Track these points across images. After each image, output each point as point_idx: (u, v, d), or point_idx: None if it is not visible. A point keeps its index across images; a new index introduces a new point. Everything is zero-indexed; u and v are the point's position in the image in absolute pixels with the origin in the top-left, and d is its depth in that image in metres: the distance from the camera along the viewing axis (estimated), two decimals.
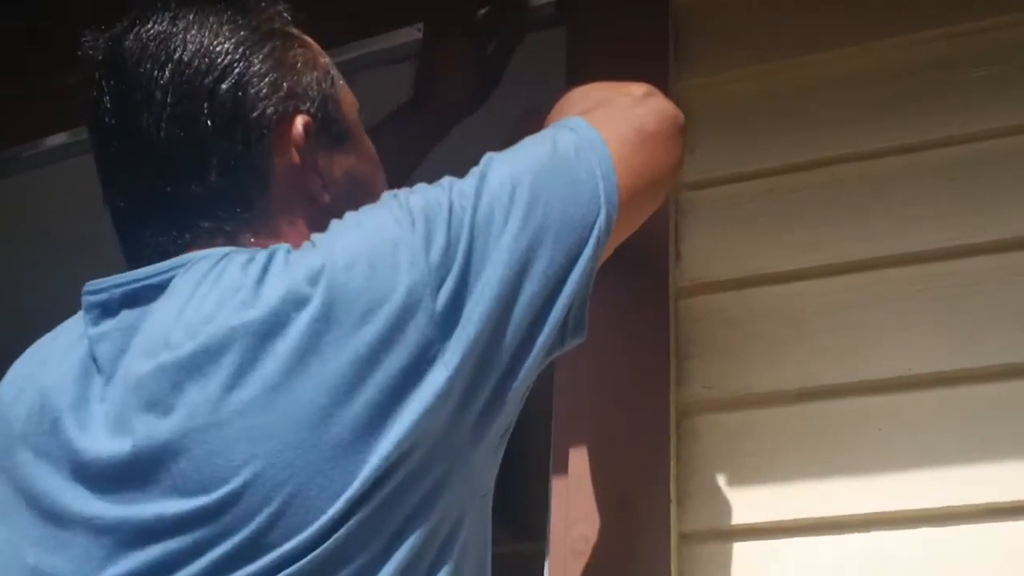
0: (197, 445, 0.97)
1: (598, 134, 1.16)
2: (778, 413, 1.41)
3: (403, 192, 1.07)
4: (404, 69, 1.74)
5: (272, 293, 1.00)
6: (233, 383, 0.97)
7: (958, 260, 1.40)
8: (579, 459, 1.43)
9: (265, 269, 1.02)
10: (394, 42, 1.89)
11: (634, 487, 1.39)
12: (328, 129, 1.17)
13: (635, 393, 1.44)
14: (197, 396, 0.98)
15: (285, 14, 1.21)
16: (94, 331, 1.08)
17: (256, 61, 1.14)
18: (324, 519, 0.95)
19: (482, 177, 1.08)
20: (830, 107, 1.51)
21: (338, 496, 0.95)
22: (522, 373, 1.06)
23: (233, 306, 1.00)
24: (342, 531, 0.95)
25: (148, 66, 1.12)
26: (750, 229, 1.50)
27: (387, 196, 1.08)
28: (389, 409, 0.97)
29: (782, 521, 1.37)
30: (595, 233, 1.10)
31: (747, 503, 1.38)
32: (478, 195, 1.06)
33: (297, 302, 0.99)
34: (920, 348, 1.38)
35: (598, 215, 1.11)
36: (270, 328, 0.98)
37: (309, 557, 0.95)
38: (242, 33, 1.15)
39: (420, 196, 1.06)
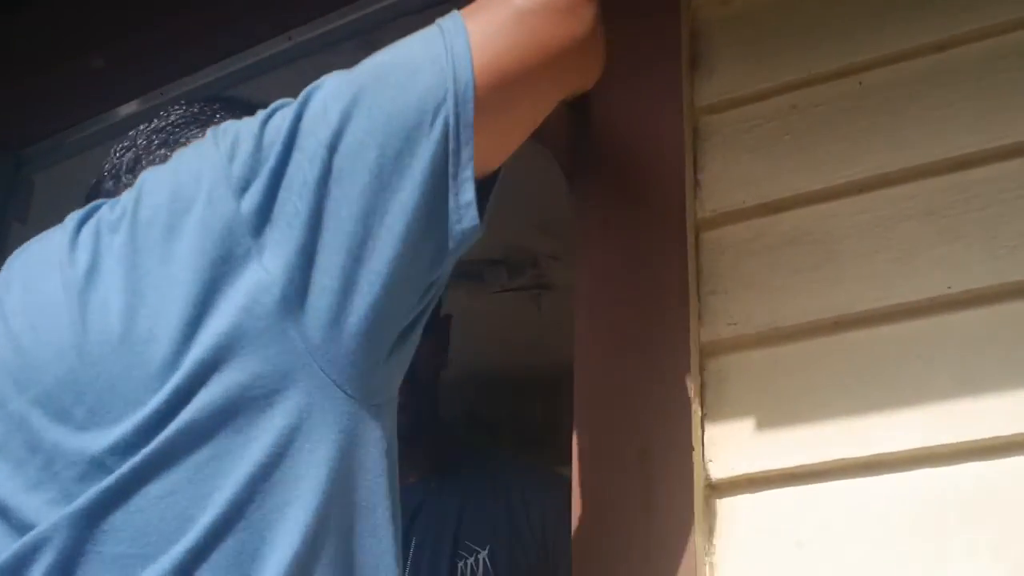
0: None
1: (460, 21, 1.10)
2: (810, 347, 1.29)
3: (228, 121, 1.10)
4: None
5: (88, 233, 1.08)
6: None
7: (1001, 163, 1.25)
8: (598, 410, 1.33)
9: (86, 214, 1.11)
10: None
11: (654, 436, 1.28)
12: None
13: (654, 336, 1.33)
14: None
15: None
16: None
17: None
18: (148, 411, 0.97)
19: (315, 87, 1.07)
20: (853, 10, 1.37)
21: (160, 391, 0.97)
22: (376, 265, 1.02)
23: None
24: (172, 426, 0.96)
25: None
26: (774, 150, 1.38)
27: (210, 128, 1.10)
28: (211, 304, 0.99)
29: (819, 464, 1.25)
30: (441, 117, 1.05)
31: (780, 447, 1.27)
32: (305, 102, 1.06)
33: (111, 228, 1.06)
34: (962, 263, 1.24)
35: (444, 98, 1.05)
36: (93, 265, 1.05)
37: (140, 454, 0.96)
38: None
39: (243, 120, 1.07)
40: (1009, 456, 1.17)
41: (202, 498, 0.95)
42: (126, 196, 1.08)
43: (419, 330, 1.09)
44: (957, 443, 1.19)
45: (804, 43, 1.39)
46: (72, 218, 1.12)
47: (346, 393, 1.01)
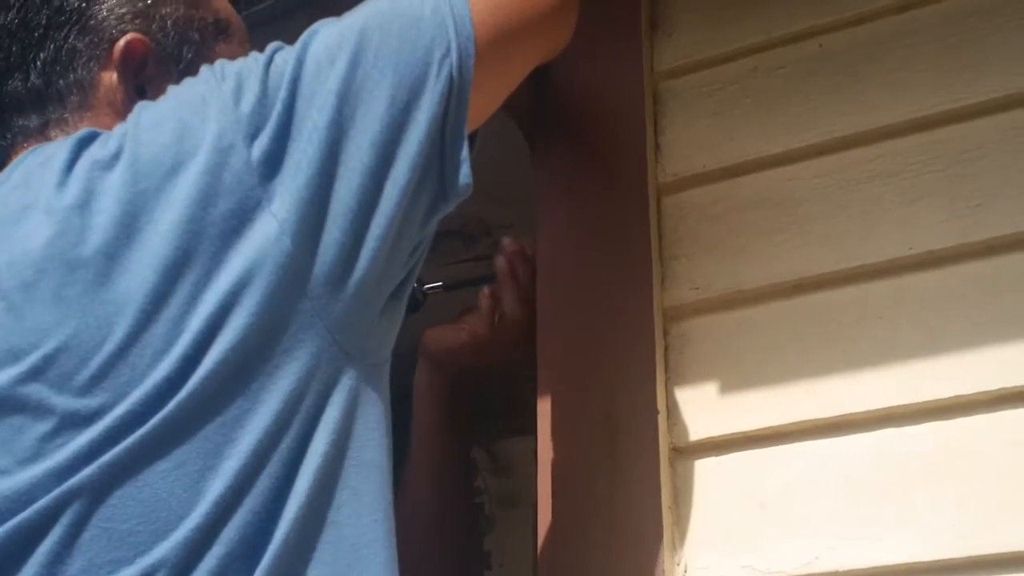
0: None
1: None
2: (773, 310, 1.29)
3: (221, 61, 1.04)
4: None
5: (80, 171, 0.99)
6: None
7: (961, 124, 1.26)
8: (562, 376, 1.33)
9: (74, 152, 1.01)
10: None
11: (619, 401, 1.28)
12: (175, 61, 1.15)
13: (616, 301, 1.33)
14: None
15: None
16: None
17: None
18: (158, 377, 0.92)
19: (312, 33, 1.04)
20: None
21: (169, 354, 0.92)
22: (381, 219, 1.00)
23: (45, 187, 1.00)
24: (182, 392, 0.92)
25: None
26: (734, 114, 1.37)
27: (204, 67, 1.04)
28: (218, 259, 0.94)
29: (783, 425, 1.25)
30: (446, 69, 1.03)
31: (744, 409, 1.27)
32: (304, 48, 1.02)
33: (104, 166, 0.98)
34: (923, 224, 1.24)
35: (448, 50, 1.04)
36: (84, 203, 0.96)
37: (150, 424, 0.91)
38: None
39: (239, 61, 1.03)
40: (970, 415, 1.17)
41: (211, 469, 0.91)
42: (119, 130, 1.01)
43: (405, 296, 1.07)
44: (919, 403, 1.20)
45: (764, 5, 1.38)
46: (58, 155, 1.01)
47: (347, 353, 0.98)
